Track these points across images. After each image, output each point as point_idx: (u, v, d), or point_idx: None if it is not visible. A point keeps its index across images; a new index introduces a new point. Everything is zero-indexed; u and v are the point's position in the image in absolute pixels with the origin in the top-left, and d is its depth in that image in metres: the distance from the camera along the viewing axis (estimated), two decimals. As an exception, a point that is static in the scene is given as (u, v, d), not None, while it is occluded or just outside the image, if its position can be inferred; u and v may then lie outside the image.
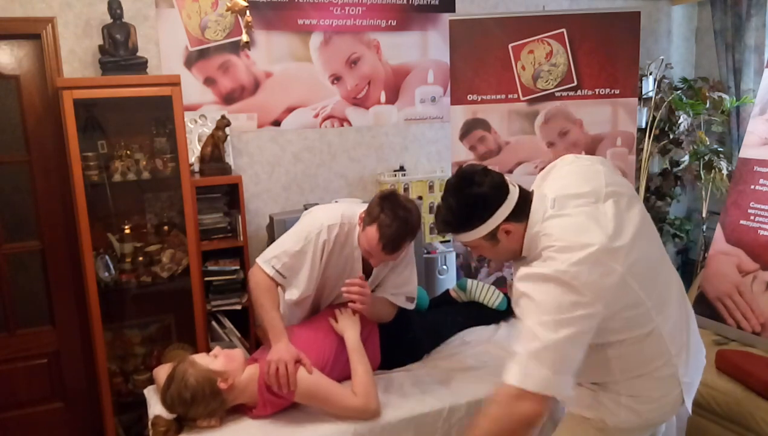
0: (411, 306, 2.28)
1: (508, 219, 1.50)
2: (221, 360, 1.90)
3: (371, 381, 1.96)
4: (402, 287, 2.23)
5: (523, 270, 1.44)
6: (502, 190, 1.52)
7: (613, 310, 1.42)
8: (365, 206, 2.16)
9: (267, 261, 2.07)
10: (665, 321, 1.53)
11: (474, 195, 1.50)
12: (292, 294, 2.11)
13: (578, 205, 1.49)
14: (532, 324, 1.38)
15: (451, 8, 3.49)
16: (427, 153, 3.60)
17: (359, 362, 2.01)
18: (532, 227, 1.50)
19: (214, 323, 2.92)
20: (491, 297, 2.61)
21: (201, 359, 1.92)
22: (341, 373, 2.04)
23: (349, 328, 2.10)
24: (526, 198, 1.54)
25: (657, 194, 3.92)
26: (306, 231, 2.07)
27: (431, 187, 3.51)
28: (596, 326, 1.39)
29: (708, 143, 3.74)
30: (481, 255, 1.69)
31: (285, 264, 2.06)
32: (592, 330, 1.39)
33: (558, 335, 1.34)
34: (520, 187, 1.56)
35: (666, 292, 1.57)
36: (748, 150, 3.04)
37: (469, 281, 2.70)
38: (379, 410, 1.93)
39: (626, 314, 1.46)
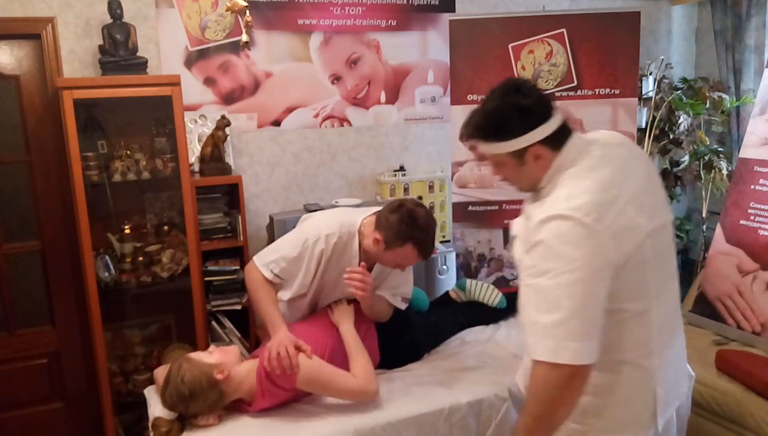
0: (404, 306, 2.32)
1: (542, 142, 1.40)
2: (216, 354, 1.94)
3: (370, 365, 2.02)
4: (399, 287, 2.27)
5: (537, 215, 1.34)
6: (547, 109, 1.41)
7: (624, 259, 1.34)
8: (364, 211, 2.18)
9: (265, 265, 2.11)
10: (659, 306, 1.45)
11: (516, 104, 1.39)
12: (285, 294, 2.17)
13: (612, 152, 1.46)
14: (551, 284, 1.29)
15: (451, 8, 3.49)
16: (427, 153, 3.60)
17: (356, 350, 2.06)
18: (566, 155, 1.42)
19: (214, 323, 2.92)
20: (491, 296, 2.61)
21: (196, 355, 1.96)
22: (339, 367, 2.04)
23: (344, 319, 2.16)
24: (567, 130, 1.44)
25: (657, 194, 3.92)
26: (304, 238, 2.10)
27: (431, 187, 3.50)
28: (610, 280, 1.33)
29: (708, 143, 3.73)
30: (502, 177, 1.55)
31: (282, 269, 2.11)
32: (609, 279, 1.32)
33: (579, 294, 1.28)
34: (565, 120, 1.45)
35: (668, 279, 1.51)
36: (748, 150, 3.05)
37: (469, 280, 2.70)
38: (378, 391, 1.97)
39: (634, 272, 1.37)
